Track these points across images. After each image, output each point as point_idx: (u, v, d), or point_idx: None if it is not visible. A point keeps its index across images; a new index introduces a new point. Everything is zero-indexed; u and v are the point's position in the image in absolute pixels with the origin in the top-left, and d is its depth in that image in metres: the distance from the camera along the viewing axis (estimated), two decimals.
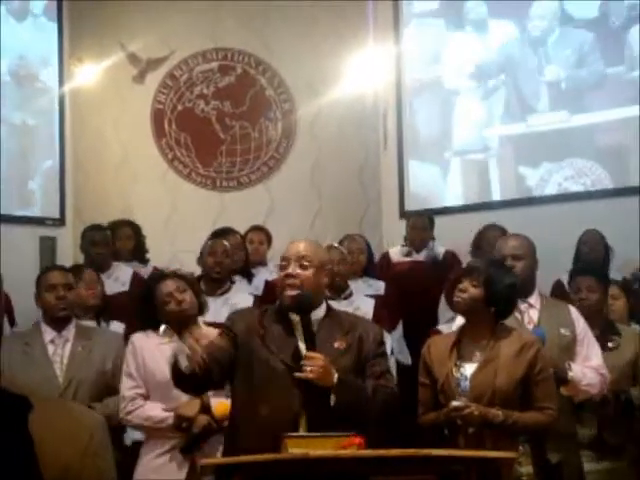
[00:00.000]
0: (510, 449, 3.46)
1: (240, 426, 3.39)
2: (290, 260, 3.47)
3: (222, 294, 5.52)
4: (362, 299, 5.64)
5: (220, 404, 4.05)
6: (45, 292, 4.47)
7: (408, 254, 7.08)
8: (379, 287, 6.19)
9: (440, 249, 7.11)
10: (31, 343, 4.39)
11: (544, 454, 3.83)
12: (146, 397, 4.13)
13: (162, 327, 4.16)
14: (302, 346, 3.40)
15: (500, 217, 7.04)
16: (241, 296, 5.60)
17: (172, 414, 4.03)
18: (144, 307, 4.26)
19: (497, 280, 3.82)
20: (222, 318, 5.32)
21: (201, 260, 5.65)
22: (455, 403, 3.63)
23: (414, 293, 6.52)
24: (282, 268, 3.48)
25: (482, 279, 3.81)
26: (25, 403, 1.39)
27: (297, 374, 3.30)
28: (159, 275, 4.36)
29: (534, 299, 4.32)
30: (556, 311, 4.32)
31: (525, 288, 4.28)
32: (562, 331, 4.21)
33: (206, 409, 4.04)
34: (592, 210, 7.16)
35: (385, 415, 3.50)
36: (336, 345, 3.43)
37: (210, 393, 4.07)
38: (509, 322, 4.08)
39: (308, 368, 3.29)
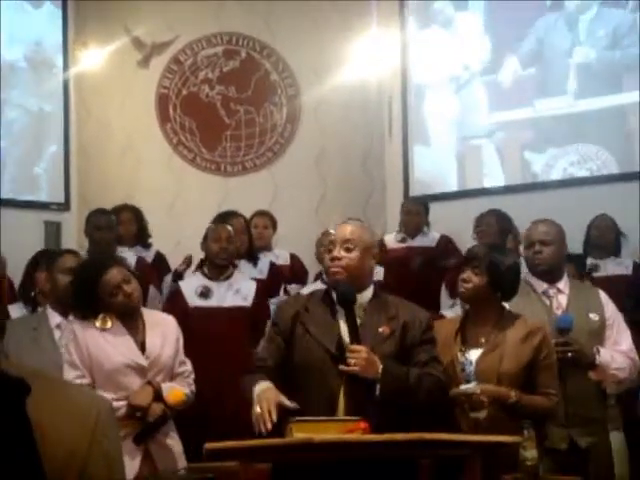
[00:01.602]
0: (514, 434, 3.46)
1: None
2: (336, 243, 3.53)
3: (226, 279, 5.52)
4: None
5: (172, 391, 4.05)
6: (60, 274, 4.45)
7: (403, 240, 7.08)
8: (379, 272, 6.17)
9: (435, 235, 7.11)
10: (38, 328, 4.40)
11: (544, 438, 3.83)
12: (92, 387, 4.01)
13: (100, 315, 4.09)
14: (344, 332, 3.43)
15: (505, 202, 7.03)
16: (245, 281, 5.61)
17: (124, 403, 3.96)
18: (85, 296, 4.11)
19: (499, 264, 3.81)
20: (226, 303, 5.36)
21: (204, 245, 5.63)
22: (463, 387, 3.63)
23: (409, 279, 6.51)
24: (329, 251, 3.55)
25: (484, 266, 3.79)
26: (21, 386, 1.36)
27: (342, 367, 3.33)
28: (103, 264, 4.20)
29: (563, 284, 4.33)
30: (585, 296, 4.34)
31: (554, 273, 4.30)
32: (591, 316, 4.23)
33: (158, 397, 4.01)
34: (598, 195, 7.15)
35: (430, 404, 3.50)
36: (380, 330, 3.44)
37: (158, 379, 4.06)
38: (538, 307, 4.10)
39: (352, 361, 3.31)
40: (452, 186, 8.15)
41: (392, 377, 3.36)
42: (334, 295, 3.51)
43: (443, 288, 6.38)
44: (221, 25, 8.39)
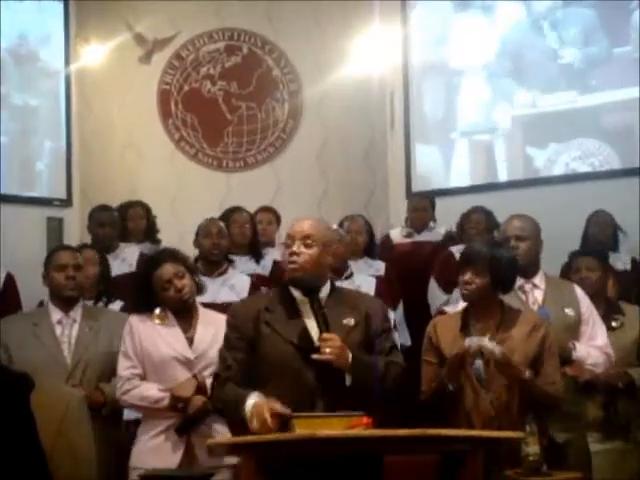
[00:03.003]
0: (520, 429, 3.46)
1: None
2: (295, 238, 3.47)
3: (220, 275, 5.51)
4: (364, 279, 5.62)
5: None
6: (54, 272, 4.46)
7: (409, 235, 7.08)
8: (380, 267, 6.17)
9: (440, 230, 7.11)
10: (39, 323, 4.40)
11: (547, 434, 3.84)
12: (143, 377, 4.11)
13: (157, 310, 4.17)
14: (310, 326, 3.39)
15: (507, 198, 7.04)
16: (239, 276, 5.60)
17: (168, 394, 4.02)
18: (142, 290, 4.23)
19: (500, 261, 3.81)
20: (221, 299, 5.35)
21: (197, 242, 5.64)
22: (479, 340, 3.63)
23: (415, 274, 6.51)
24: (287, 246, 3.50)
25: (486, 265, 3.79)
26: (26, 381, 1.36)
27: (315, 356, 3.27)
28: (157, 258, 4.30)
29: (538, 279, 4.33)
30: (561, 291, 4.33)
31: (529, 269, 4.29)
32: (567, 311, 4.23)
33: (202, 390, 4.04)
34: (599, 190, 7.14)
35: (396, 391, 3.51)
36: (344, 322, 3.41)
37: (205, 373, 4.08)
38: (514, 302, 4.08)
39: (327, 350, 3.27)
40: (454, 182, 8.14)
41: (362, 365, 3.33)
42: (292, 291, 3.48)
43: (432, 283, 6.35)
44: (223, 21, 8.38)
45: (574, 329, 4.23)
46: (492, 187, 7.83)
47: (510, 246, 4.24)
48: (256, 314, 3.44)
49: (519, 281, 4.25)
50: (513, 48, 7.96)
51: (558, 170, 7.69)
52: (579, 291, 4.36)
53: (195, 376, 4.08)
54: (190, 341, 4.15)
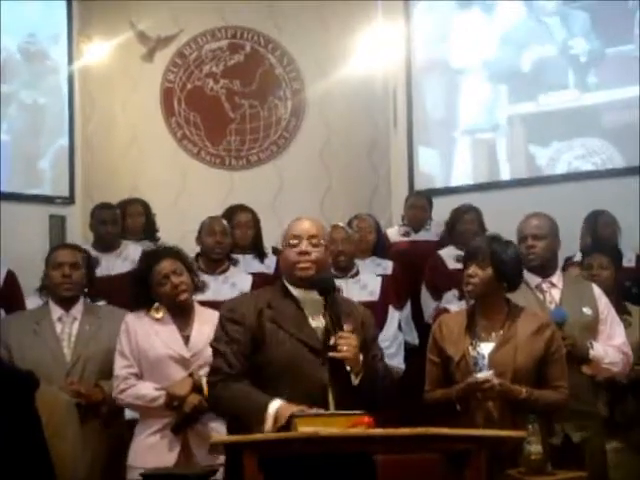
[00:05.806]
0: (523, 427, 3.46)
1: None
2: (302, 238, 3.46)
3: (221, 273, 5.52)
4: (370, 277, 5.62)
5: None
6: (52, 270, 4.47)
7: (406, 234, 7.08)
8: (387, 266, 6.17)
9: (438, 229, 7.10)
10: (40, 321, 4.41)
11: (552, 433, 3.84)
12: (139, 377, 4.11)
13: (155, 305, 4.17)
14: (315, 325, 3.40)
15: (510, 196, 7.04)
16: (240, 275, 5.60)
17: (164, 393, 4.02)
18: (139, 285, 4.22)
19: (503, 254, 3.80)
20: (222, 296, 5.33)
21: (199, 239, 5.65)
22: (480, 375, 3.62)
23: (412, 273, 6.50)
24: (293, 246, 3.47)
25: (488, 258, 3.79)
26: (30, 380, 1.35)
27: (332, 353, 3.28)
28: (156, 254, 4.30)
29: (556, 278, 4.31)
30: (578, 290, 4.32)
31: (547, 267, 4.28)
32: (584, 310, 4.22)
33: (198, 389, 4.03)
34: (602, 189, 7.14)
35: (390, 396, 3.52)
36: (345, 327, 3.39)
37: (201, 372, 4.06)
38: (532, 301, 4.10)
39: (344, 348, 3.27)
40: (456, 180, 8.14)
41: (369, 367, 3.36)
42: (292, 289, 3.47)
43: (423, 290, 6.34)
44: (226, 19, 8.38)
45: (592, 328, 4.21)
46: (494, 185, 7.83)
47: (527, 245, 4.24)
48: (259, 310, 3.40)
49: (537, 280, 4.25)
50: (515, 46, 7.96)
51: (560, 169, 7.69)
52: (597, 290, 4.34)
53: (191, 375, 4.08)
54: (186, 339, 4.15)
